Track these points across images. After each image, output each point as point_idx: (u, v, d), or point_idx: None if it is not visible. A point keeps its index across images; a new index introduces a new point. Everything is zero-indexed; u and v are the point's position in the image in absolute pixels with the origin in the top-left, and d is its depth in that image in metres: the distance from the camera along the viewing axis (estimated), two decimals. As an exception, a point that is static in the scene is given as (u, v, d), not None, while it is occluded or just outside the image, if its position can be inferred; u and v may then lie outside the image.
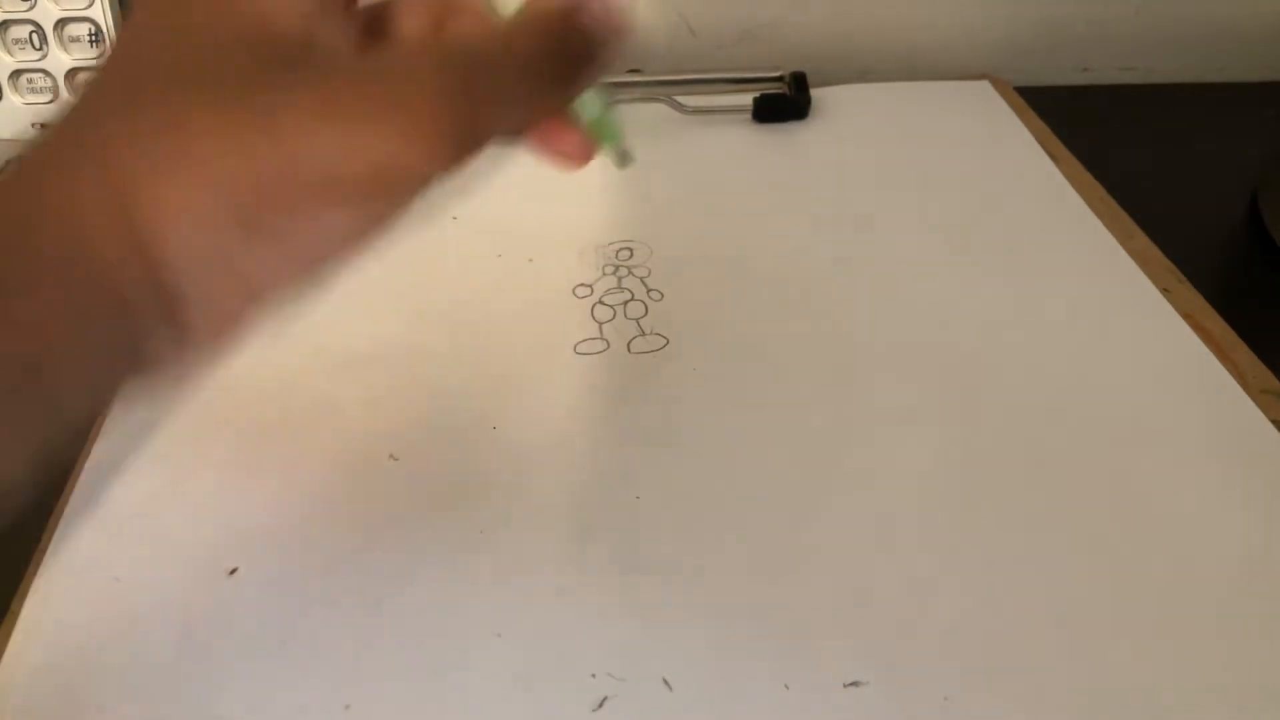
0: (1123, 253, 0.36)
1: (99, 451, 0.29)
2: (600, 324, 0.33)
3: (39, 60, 0.46)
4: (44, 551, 0.26)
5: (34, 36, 0.46)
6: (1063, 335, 0.33)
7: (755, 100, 0.45)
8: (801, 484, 0.28)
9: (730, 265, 0.36)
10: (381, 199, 0.18)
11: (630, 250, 0.37)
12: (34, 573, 0.26)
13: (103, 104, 0.18)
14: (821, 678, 0.23)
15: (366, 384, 0.31)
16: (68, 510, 0.27)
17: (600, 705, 0.22)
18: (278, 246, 0.18)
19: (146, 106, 0.17)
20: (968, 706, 0.22)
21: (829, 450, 0.29)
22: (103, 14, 0.46)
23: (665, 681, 0.23)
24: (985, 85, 0.48)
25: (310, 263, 0.19)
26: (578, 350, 0.32)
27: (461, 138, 0.18)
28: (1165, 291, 0.34)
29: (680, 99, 0.46)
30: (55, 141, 0.18)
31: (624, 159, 0.24)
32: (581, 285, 0.35)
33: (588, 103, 0.23)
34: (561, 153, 0.23)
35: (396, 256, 0.36)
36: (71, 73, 0.47)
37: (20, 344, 0.16)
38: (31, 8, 0.45)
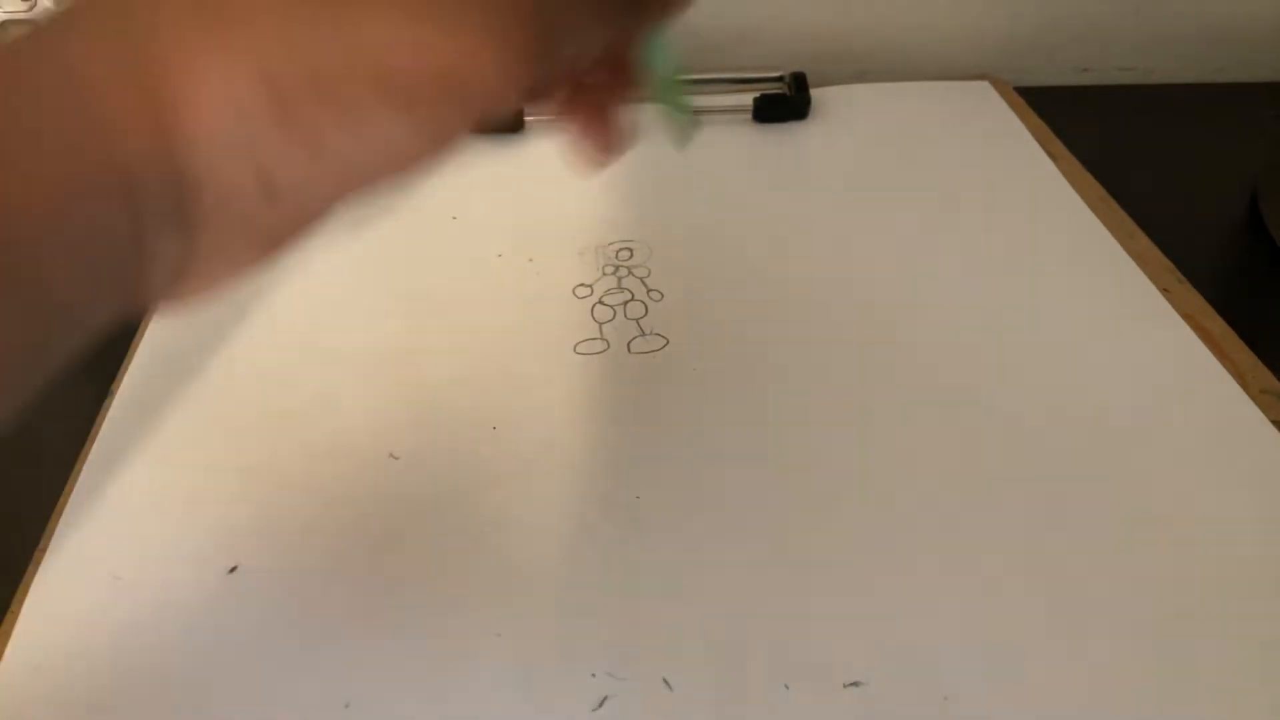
0: (1123, 253, 0.36)
1: (99, 450, 0.29)
2: (600, 324, 0.33)
3: (39, 60, 0.46)
4: (44, 551, 0.26)
5: (34, 36, 0.46)
6: (1063, 335, 0.33)
7: (755, 100, 0.45)
8: (801, 484, 0.28)
9: (730, 265, 0.36)
10: (441, 108, 0.16)
11: (630, 250, 0.37)
12: (34, 573, 0.26)
13: None
14: (821, 678, 0.23)
15: (366, 383, 0.31)
16: (68, 510, 0.27)
17: (600, 705, 0.22)
18: (314, 149, 0.16)
19: None
20: (968, 706, 0.22)
21: (829, 450, 0.29)
22: (103, 14, 0.46)
23: (665, 681, 0.23)
24: (985, 85, 0.48)
25: (342, 180, 0.17)
26: (578, 350, 0.32)
27: (539, 53, 0.16)
28: (1165, 291, 0.34)
29: (680, 99, 0.46)
30: (83, 3, 0.16)
31: (686, 131, 0.24)
32: (581, 285, 0.35)
33: (661, 54, 0.22)
34: (594, 143, 0.23)
35: (396, 256, 0.36)
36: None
37: (7, 218, 0.14)
38: (32, 8, 0.45)
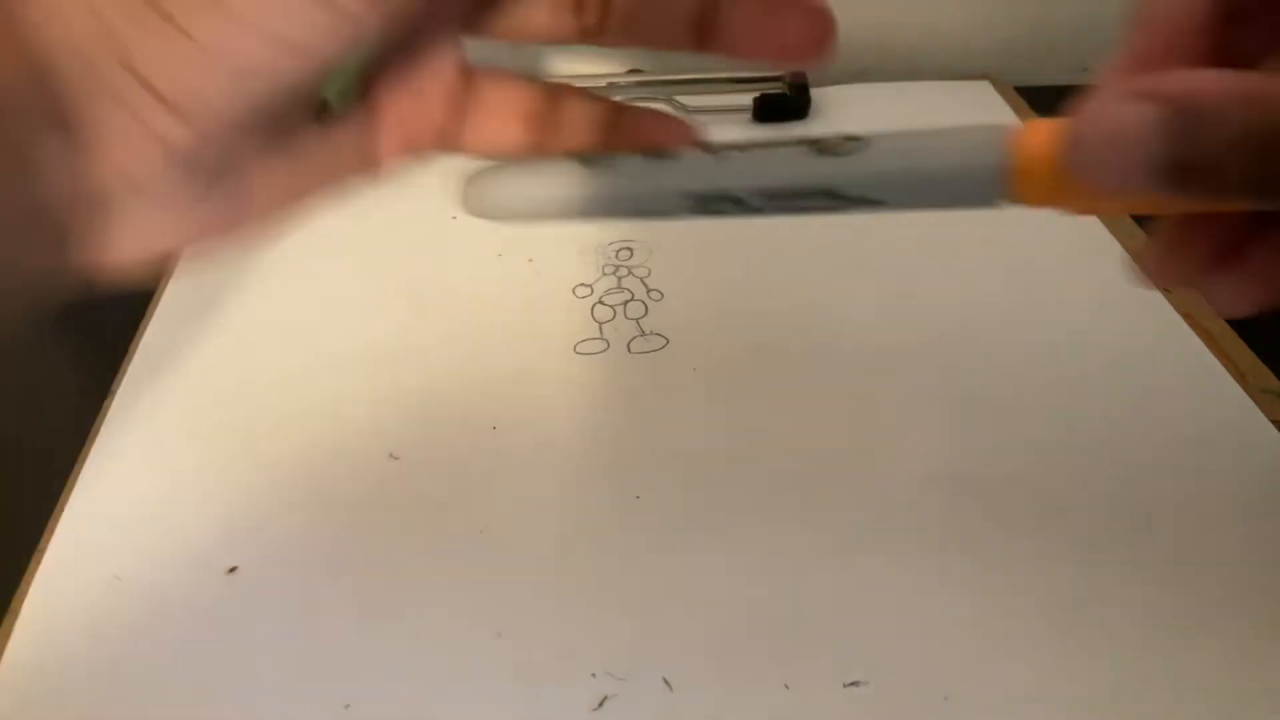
0: (1122, 251, 0.36)
1: (99, 450, 0.29)
2: (600, 324, 0.33)
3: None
4: (44, 551, 0.26)
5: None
6: (1062, 334, 0.33)
7: (755, 100, 0.45)
8: (801, 483, 0.28)
9: (730, 265, 0.36)
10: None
11: (630, 250, 0.37)
12: (34, 573, 0.26)
13: None
14: (821, 678, 0.23)
15: (366, 383, 0.31)
16: (68, 510, 0.27)
17: (600, 705, 0.22)
18: (181, 33, 0.14)
19: None
20: (968, 706, 0.22)
21: (829, 449, 0.29)
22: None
23: (665, 681, 0.23)
24: (985, 85, 0.48)
25: (237, 81, 0.15)
26: (578, 350, 0.32)
27: None
28: (1165, 291, 0.34)
29: (680, 99, 0.46)
30: None
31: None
32: (581, 285, 0.35)
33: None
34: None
35: (397, 256, 0.36)
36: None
37: None
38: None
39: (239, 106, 0.15)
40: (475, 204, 0.24)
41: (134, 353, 0.33)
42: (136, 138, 0.15)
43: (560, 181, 0.24)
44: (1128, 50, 0.21)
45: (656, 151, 0.23)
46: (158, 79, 0.14)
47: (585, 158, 0.23)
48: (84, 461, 0.29)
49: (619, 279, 0.35)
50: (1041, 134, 0.20)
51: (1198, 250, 0.21)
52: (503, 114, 0.22)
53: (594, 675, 0.23)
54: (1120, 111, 0.18)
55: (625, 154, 0.23)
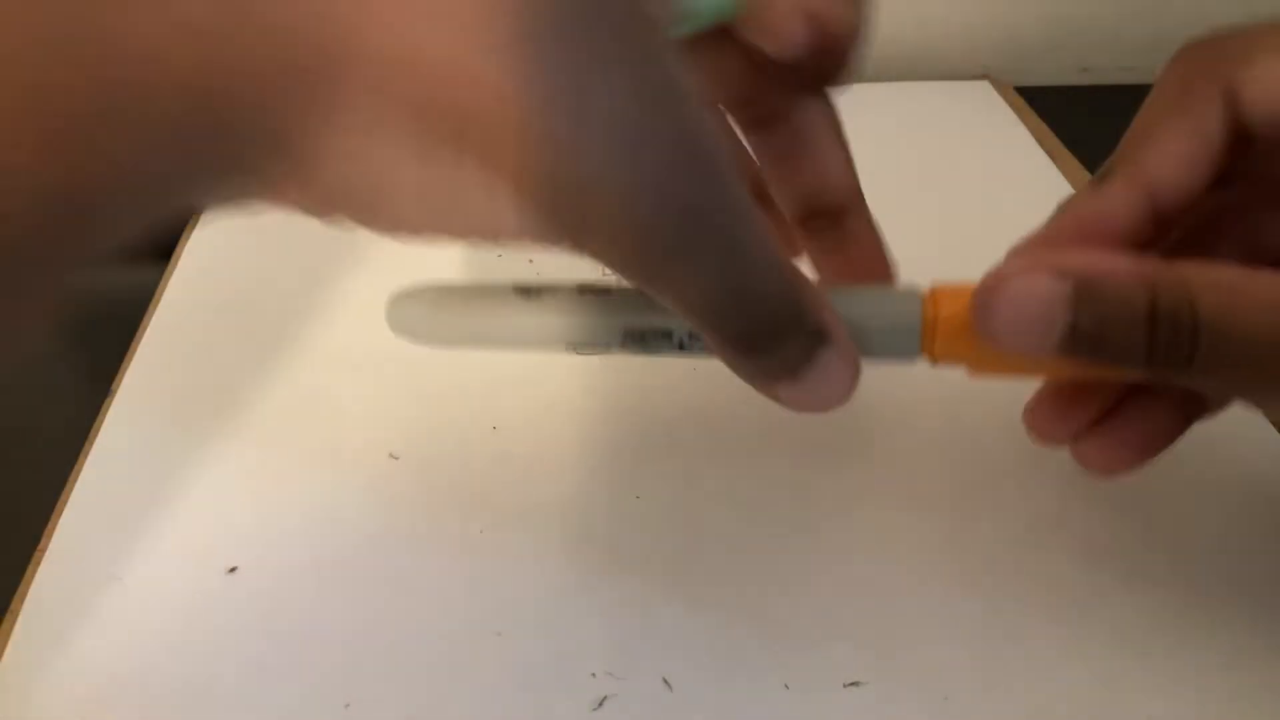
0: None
1: (99, 450, 0.29)
2: (600, 324, 0.33)
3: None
4: (44, 551, 0.26)
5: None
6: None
7: (755, 100, 0.45)
8: (802, 483, 0.28)
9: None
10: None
11: (630, 250, 0.37)
12: (34, 573, 0.26)
13: None
14: (821, 677, 0.23)
15: (367, 383, 0.31)
16: (68, 510, 0.27)
17: (600, 704, 0.22)
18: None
19: None
20: (968, 706, 0.22)
21: (829, 449, 0.29)
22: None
23: (665, 681, 0.23)
24: (985, 85, 0.48)
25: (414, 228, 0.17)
26: (578, 350, 0.32)
27: None
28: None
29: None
30: None
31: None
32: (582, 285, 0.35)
33: None
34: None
35: (397, 256, 0.36)
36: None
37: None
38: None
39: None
40: (399, 325, 0.24)
41: (134, 353, 0.33)
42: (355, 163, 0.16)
43: (494, 312, 0.24)
44: (1045, 231, 0.23)
45: (591, 286, 0.24)
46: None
47: (522, 288, 0.24)
48: (84, 461, 0.29)
49: (619, 279, 0.35)
50: (954, 298, 0.22)
51: (1075, 414, 0.23)
52: None
53: (594, 675, 0.23)
54: (1030, 283, 0.20)
55: (557, 285, 0.24)
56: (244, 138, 0.15)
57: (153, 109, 0.14)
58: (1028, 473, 0.28)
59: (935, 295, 0.23)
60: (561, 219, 0.16)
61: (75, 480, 0.28)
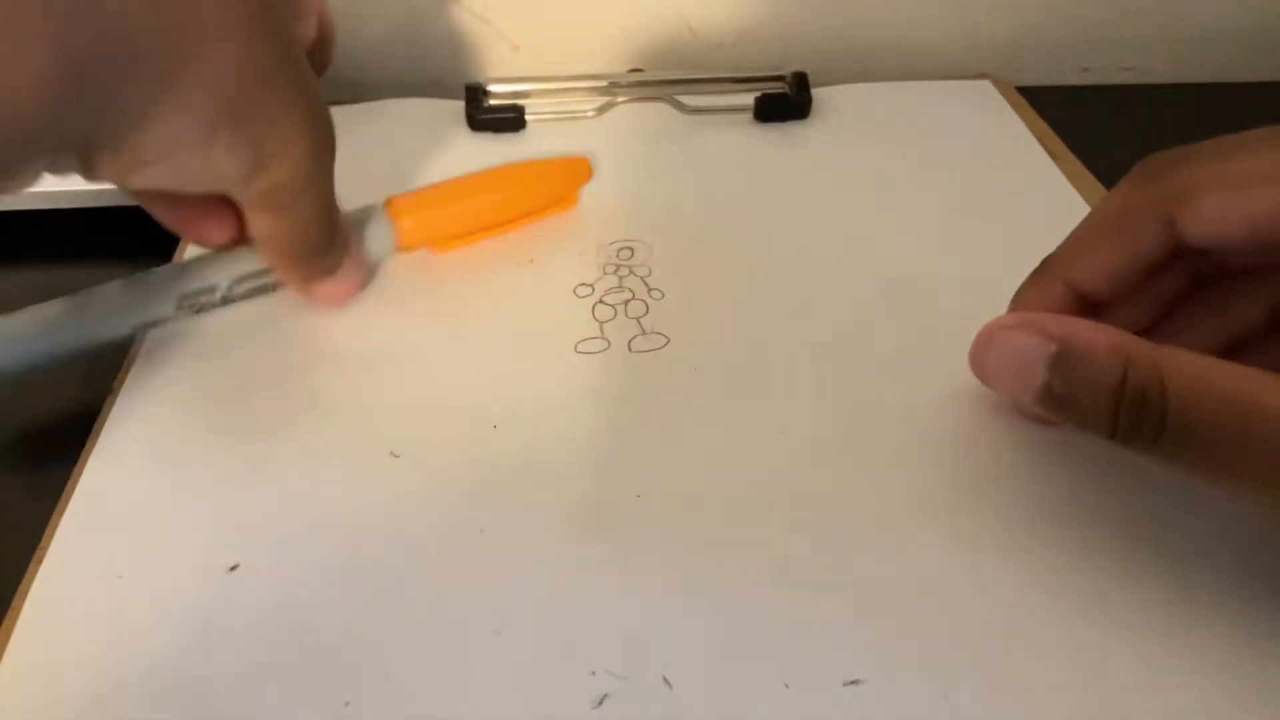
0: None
1: (99, 450, 0.29)
2: (601, 323, 0.33)
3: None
4: (44, 550, 0.26)
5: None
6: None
7: (756, 100, 0.45)
8: (802, 483, 0.28)
9: (732, 264, 0.36)
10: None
11: (631, 250, 0.37)
12: (34, 572, 0.26)
13: None
14: (821, 676, 0.23)
15: (367, 381, 0.31)
16: (69, 510, 0.27)
17: (600, 703, 0.22)
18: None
19: None
20: (968, 705, 0.22)
21: (830, 449, 0.29)
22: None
23: (665, 679, 0.23)
24: (986, 85, 0.48)
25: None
26: (578, 349, 0.32)
27: None
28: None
29: (681, 99, 0.46)
30: None
31: None
32: (582, 285, 0.35)
33: None
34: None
35: (396, 256, 0.36)
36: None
37: None
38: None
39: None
40: None
41: (134, 353, 0.33)
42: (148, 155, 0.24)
43: (43, 325, 0.29)
44: (1047, 271, 0.27)
45: (134, 278, 0.30)
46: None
47: (72, 295, 0.29)
48: (84, 461, 0.29)
49: (620, 278, 0.36)
50: (406, 204, 0.35)
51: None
52: None
53: (593, 673, 0.23)
54: (1020, 338, 0.23)
55: (105, 284, 0.30)
56: (87, 117, 0.21)
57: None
58: (1028, 472, 0.28)
59: (393, 205, 0.34)
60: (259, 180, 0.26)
61: (76, 480, 0.28)
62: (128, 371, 0.32)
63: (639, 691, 0.23)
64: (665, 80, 0.47)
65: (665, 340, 0.33)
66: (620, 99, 0.46)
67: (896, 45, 0.54)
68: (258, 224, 0.28)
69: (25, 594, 0.25)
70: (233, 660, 0.23)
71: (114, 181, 0.25)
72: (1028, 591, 0.25)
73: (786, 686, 0.23)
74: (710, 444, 0.29)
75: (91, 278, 0.30)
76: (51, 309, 0.29)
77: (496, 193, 0.37)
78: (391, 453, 0.29)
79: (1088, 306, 0.26)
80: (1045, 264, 0.27)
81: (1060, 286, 0.26)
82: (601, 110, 0.46)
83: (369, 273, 0.34)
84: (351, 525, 0.27)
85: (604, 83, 0.47)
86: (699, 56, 0.54)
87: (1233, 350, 0.26)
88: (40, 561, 0.26)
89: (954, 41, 0.54)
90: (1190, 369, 0.21)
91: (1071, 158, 0.42)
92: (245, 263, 0.31)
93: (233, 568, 0.25)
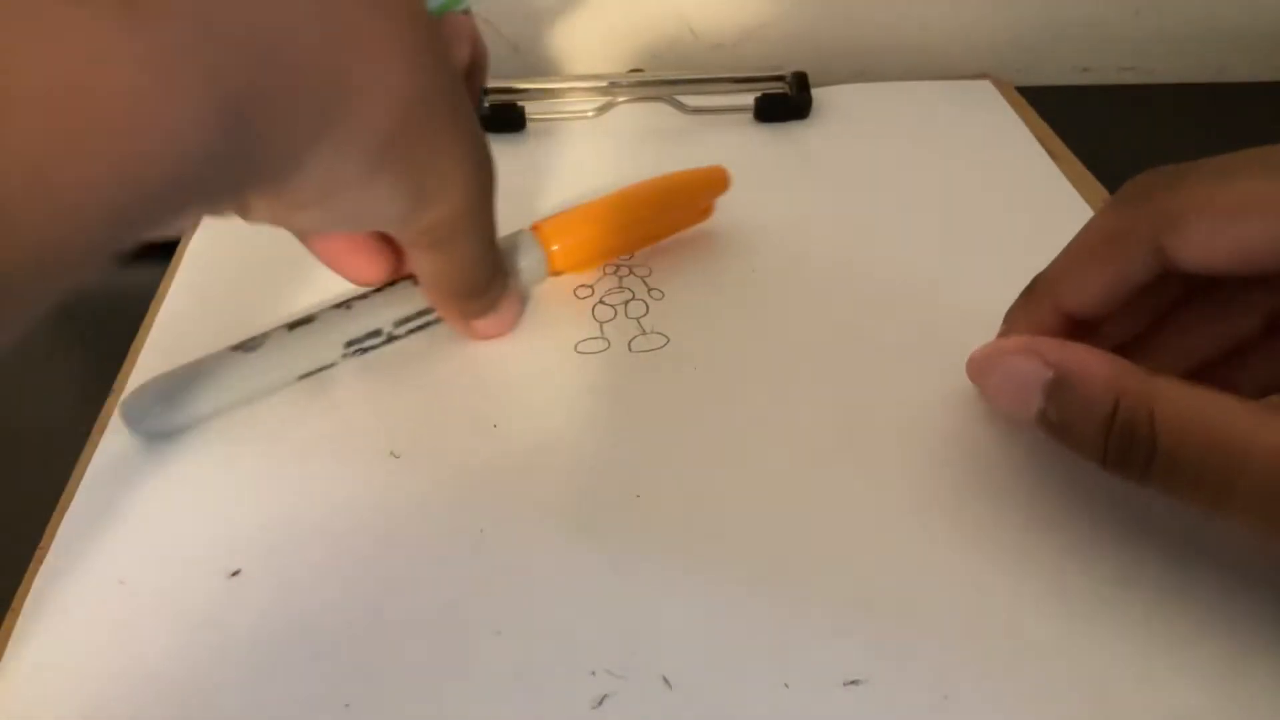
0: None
1: (100, 451, 0.29)
2: (601, 323, 0.33)
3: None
4: (45, 551, 0.26)
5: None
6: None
7: (757, 100, 0.45)
8: (803, 483, 0.28)
9: (731, 264, 0.36)
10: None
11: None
12: (35, 573, 0.26)
13: None
14: (821, 676, 0.23)
15: (367, 381, 0.31)
16: (70, 511, 0.27)
17: (600, 703, 0.22)
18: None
19: None
20: (968, 705, 0.22)
21: (830, 449, 0.29)
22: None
23: (665, 679, 0.23)
24: (986, 85, 0.48)
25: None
26: (578, 349, 0.32)
27: None
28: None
29: (681, 99, 0.46)
30: None
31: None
32: (582, 285, 0.35)
33: None
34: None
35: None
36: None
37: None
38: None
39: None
40: (141, 428, 0.28)
41: (135, 353, 0.33)
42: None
43: (223, 377, 0.28)
44: (1037, 291, 0.27)
45: (295, 320, 0.29)
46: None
47: (238, 345, 0.29)
48: (85, 462, 0.29)
49: (620, 278, 0.36)
50: (553, 229, 0.34)
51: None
52: None
53: (593, 674, 0.23)
54: (1020, 362, 0.24)
55: (268, 331, 0.29)
56: (247, 162, 0.18)
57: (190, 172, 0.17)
58: (1028, 472, 0.28)
59: (541, 230, 0.33)
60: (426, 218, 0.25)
61: (76, 481, 0.28)
62: (128, 372, 0.32)
63: (639, 691, 0.23)
64: (665, 80, 0.47)
65: (665, 340, 0.33)
66: (620, 99, 0.46)
67: (896, 45, 0.54)
68: (419, 263, 0.27)
69: (25, 594, 0.25)
70: (234, 662, 0.23)
71: (271, 224, 0.24)
72: (1027, 591, 0.25)
73: (786, 686, 0.23)
74: (710, 444, 0.29)
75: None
76: (222, 362, 0.28)
77: (640, 211, 0.36)
78: (391, 453, 0.29)
79: (1079, 324, 0.26)
80: (1035, 284, 0.27)
81: (1050, 307, 0.26)
82: (601, 110, 0.46)
83: (523, 302, 0.33)
84: (351, 526, 0.27)
85: (604, 83, 0.47)
86: (699, 56, 0.54)
87: (1229, 355, 0.26)
88: (40, 562, 0.26)
89: (954, 41, 0.54)
90: (1181, 403, 0.21)
91: (1071, 158, 0.42)
92: (408, 303, 0.30)
93: (235, 572, 0.25)
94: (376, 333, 0.30)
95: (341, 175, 0.21)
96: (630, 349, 0.32)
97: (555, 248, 0.33)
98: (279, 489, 0.28)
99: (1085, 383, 0.22)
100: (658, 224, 0.36)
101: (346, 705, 0.22)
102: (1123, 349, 0.26)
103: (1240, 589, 0.25)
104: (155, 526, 0.27)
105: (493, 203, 0.27)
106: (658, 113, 0.46)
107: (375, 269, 0.29)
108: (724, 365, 0.32)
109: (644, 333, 0.33)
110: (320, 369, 0.30)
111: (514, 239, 0.33)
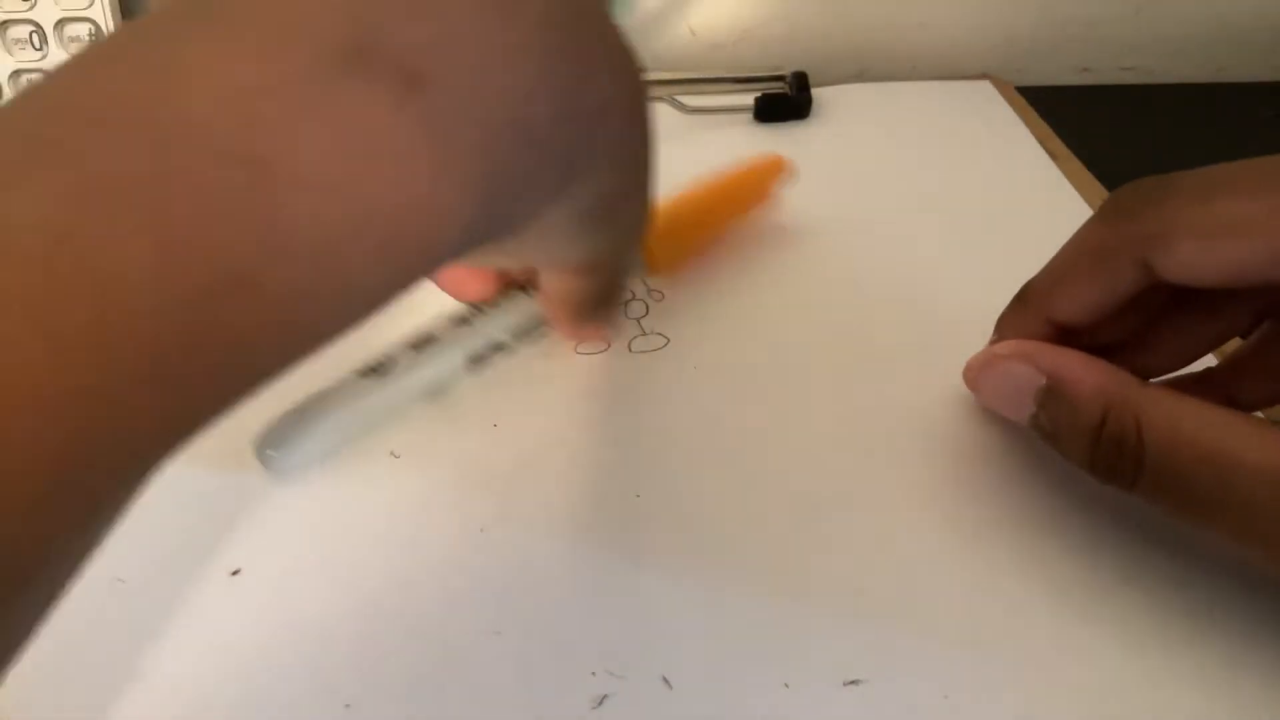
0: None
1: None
2: (600, 323, 0.33)
3: (39, 60, 0.46)
4: (44, 550, 0.26)
5: (34, 36, 0.46)
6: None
7: (757, 100, 0.45)
8: (803, 483, 0.28)
9: (731, 264, 0.36)
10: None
11: (630, 250, 0.37)
12: (34, 571, 0.26)
13: None
14: (821, 676, 0.23)
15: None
16: (68, 509, 0.27)
17: (600, 703, 0.22)
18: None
19: None
20: (968, 705, 0.22)
21: (830, 449, 0.29)
22: (103, 14, 0.46)
23: (665, 679, 0.23)
24: (986, 85, 0.49)
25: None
26: (578, 350, 0.32)
27: None
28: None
29: (681, 99, 0.46)
30: None
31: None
32: (582, 285, 0.35)
33: None
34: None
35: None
36: (72, 73, 0.47)
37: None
38: (32, 7, 0.46)
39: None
40: (281, 469, 0.27)
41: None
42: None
43: (356, 407, 0.28)
44: (1027, 302, 0.27)
45: (418, 339, 0.29)
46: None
47: (362, 371, 0.28)
48: (84, 461, 0.29)
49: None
50: (658, 236, 0.32)
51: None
52: None
53: (593, 674, 0.23)
54: (1014, 368, 0.24)
55: (389, 352, 0.28)
56: (494, 225, 0.18)
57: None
58: (1029, 472, 0.28)
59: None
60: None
61: (75, 480, 0.28)
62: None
63: (639, 691, 0.23)
64: (665, 80, 0.47)
65: (665, 340, 0.33)
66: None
67: (896, 45, 0.54)
68: (558, 285, 0.26)
69: (25, 594, 0.25)
70: (234, 663, 0.23)
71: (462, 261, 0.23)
72: (1028, 591, 0.25)
73: (786, 686, 0.23)
74: (710, 444, 0.29)
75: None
76: (351, 388, 0.28)
77: (715, 203, 0.36)
78: (391, 453, 0.29)
79: (1069, 331, 0.26)
80: (1025, 293, 0.27)
81: (1040, 316, 0.26)
82: (601, 110, 0.46)
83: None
84: (351, 527, 0.27)
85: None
86: (699, 56, 0.54)
87: (1227, 366, 0.26)
88: (40, 561, 0.26)
89: (954, 41, 0.54)
90: (1169, 416, 0.21)
91: (1071, 158, 0.42)
92: (524, 312, 0.30)
93: (235, 572, 0.25)
94: (498, 345, 0.30)
95: (557, 228, 0.20)
96: (630, 349, 0.32)
97: (654, 250, 0.33)
98: (278, 489, 0.28)
99: (1076, 391, 0.23)
100: (732, 216, 0.37)
101: (346, 705, 0.22)
102: (1116, 348, 0.26)
103: (1240, 589, 0.25)
104: (155, 526, 0.27)
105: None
106: (658, 113, 0.46)
107: (490, 288, 0.29)
108: (724, 366, 0.32)
109: (644, 333, 0.33)
110: (442, 386, 0.30)
111: None
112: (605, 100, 0.19)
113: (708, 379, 0.31)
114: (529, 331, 0.31)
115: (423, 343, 0.29)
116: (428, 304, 0.30)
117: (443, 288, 0.29)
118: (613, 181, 0.20)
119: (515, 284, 0.30)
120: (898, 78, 0.49)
